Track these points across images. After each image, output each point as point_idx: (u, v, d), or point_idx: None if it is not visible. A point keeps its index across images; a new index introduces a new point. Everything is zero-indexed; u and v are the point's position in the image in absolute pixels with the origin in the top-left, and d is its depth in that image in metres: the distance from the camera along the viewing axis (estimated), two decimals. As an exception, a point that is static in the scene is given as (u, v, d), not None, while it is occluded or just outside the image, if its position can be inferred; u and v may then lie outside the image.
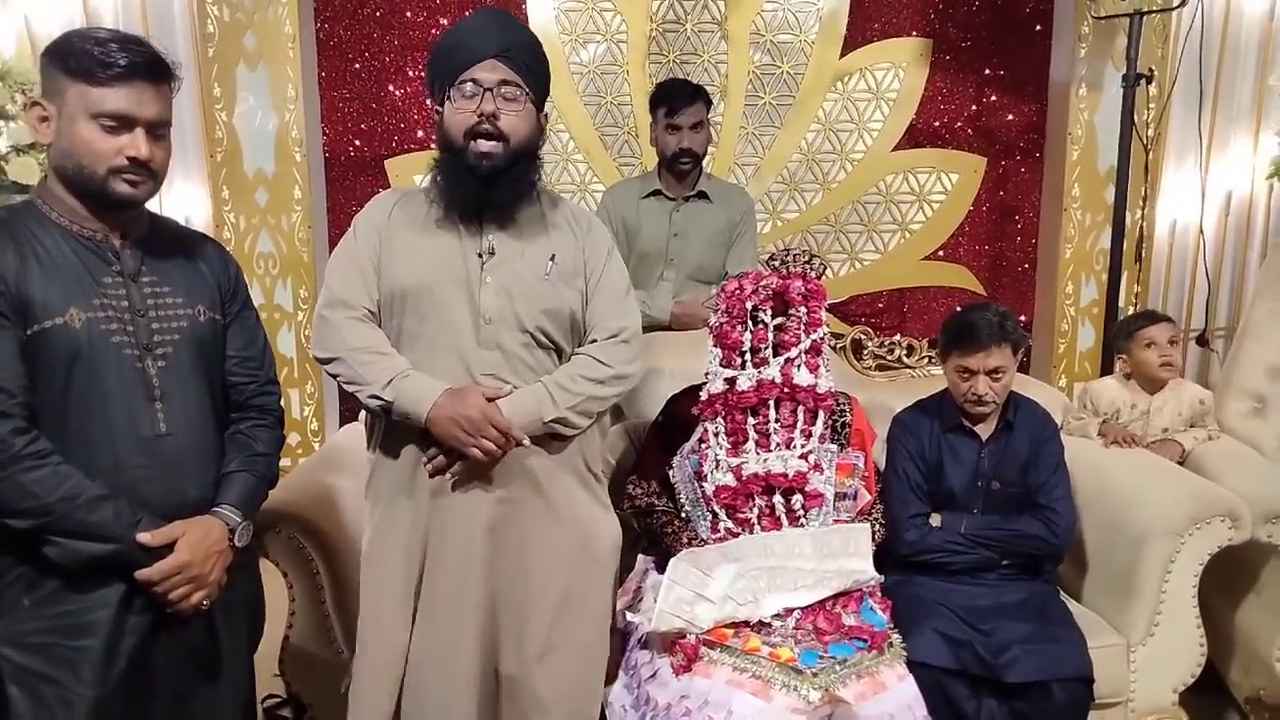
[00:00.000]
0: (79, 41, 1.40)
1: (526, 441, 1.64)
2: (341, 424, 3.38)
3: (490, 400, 1.62)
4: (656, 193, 2.95)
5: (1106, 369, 3.06)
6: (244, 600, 1.63)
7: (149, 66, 1.42)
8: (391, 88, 3.47)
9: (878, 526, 2.08)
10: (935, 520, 2.13)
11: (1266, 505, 2.15)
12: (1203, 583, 2.09)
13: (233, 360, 1.61)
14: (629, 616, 1.87)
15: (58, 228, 1.44)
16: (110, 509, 1.40)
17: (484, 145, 1.64)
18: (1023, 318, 3.65)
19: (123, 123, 1.40)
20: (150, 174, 1.45)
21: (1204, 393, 2.60)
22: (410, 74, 3.46)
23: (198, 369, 1.53)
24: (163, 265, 1.52)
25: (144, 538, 1.42)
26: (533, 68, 1.69)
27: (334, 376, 1.70)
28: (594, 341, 1.75)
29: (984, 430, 2.18)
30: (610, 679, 1.86)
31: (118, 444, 1.43)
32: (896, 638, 1.88)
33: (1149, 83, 3.17)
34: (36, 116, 1.43)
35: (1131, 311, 3.19)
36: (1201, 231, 3.45)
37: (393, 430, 1.70)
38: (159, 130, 1.45)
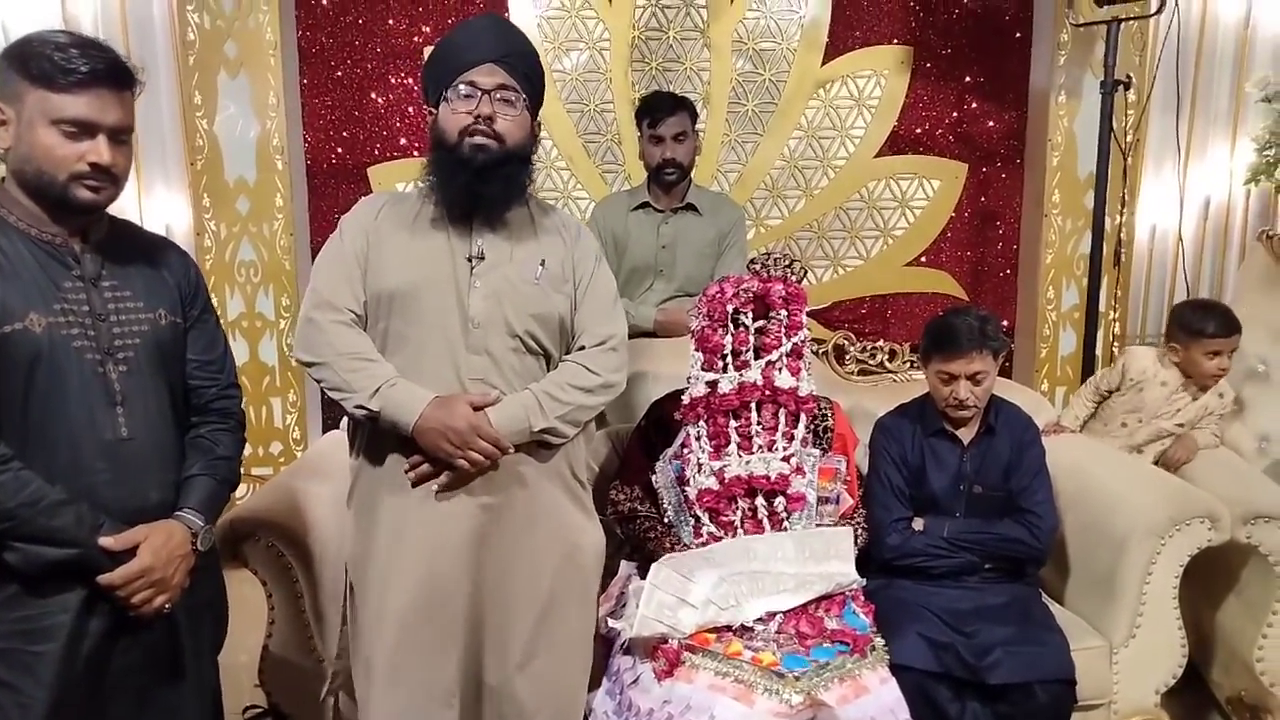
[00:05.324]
0: (39, 46, 1.37)
1: (512, 449, 1.64)
2: (324, 432, 3.36)
3: (478, 408, 1.61)
4: (645, 205, 2.95)
5: (1088, 373, 3.09)
6: (207, 602, 1.62)
7: (110, 72, 1.40)
8: (374, 95, 3.46)
9: (860, 531, 2.08)
10: (918, 524, 2.13)
11: (1245, 506, 2.16)
12: (1183, 584, 2.10)
13: (193, 364, 1.59)
14: (611, 623, 1.86)
15: (16, 231, 1.42)
16: (71, 514, 1.39)
17: (479, 139, 1.64)
18: (1004, 323, 3.67)
19: (84, 129, 1.38)
20: (112, 179, 1.43)
21: (1225, 387, 2.61)
22: (392, 81, 3.45)
23: (158, 373, 1.52)
24: (123, 269, 1.50)
25: (106, 542, 1.41)
26: (530, 75, 1.70)
27: (318, 381, 1.67)
28: (582, 349, 1.74)
29: (965, 434, 2.19)
30: (594, 686, 1.85)
31: (79, 448, 1.42)
32: (879, 641, 1.87)
33: (1127, 89, 3.20)
34: None
35: (1185, 300, 3.09)
36: (1180, 236, 3.49)
37: (376, 437, 1.68)
38: (121, 136, 1.43)
